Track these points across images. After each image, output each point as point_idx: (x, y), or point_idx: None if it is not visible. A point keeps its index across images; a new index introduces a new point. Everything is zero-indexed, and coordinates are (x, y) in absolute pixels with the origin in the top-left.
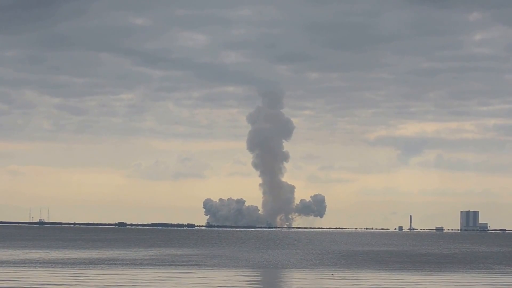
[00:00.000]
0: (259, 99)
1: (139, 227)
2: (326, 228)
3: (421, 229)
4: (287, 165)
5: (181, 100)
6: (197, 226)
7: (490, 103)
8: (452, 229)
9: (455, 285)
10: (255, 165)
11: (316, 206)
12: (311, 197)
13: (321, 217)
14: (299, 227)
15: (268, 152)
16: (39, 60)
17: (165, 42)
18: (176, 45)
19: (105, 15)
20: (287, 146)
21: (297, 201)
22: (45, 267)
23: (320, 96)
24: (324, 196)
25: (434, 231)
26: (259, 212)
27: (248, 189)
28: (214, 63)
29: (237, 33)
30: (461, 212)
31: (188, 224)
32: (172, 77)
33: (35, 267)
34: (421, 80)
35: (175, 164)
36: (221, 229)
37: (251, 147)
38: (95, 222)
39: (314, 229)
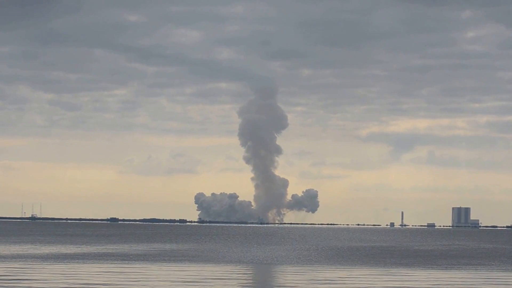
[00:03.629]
0: (252, 95)
1: (131, 222)
2: (318, 224)
3: (412, 225)
4: (279, 161)
5: (174, 96)
6: (189, 221)
7: (482, 100)
8: (443, 226)
9: (447, 282)
10: (246, 159)
11: (309, 201)
12: (303, 192)
13: (313, 212)
14: (290, 223)
15: (260, 143)
16: (33, 56)
17: (159, 39)
18: (170, 42)
19: (99, 12)
20: (279, 142)
21: (289, 196)
22: (37, 262)
23: (312, 93)
24: (317, 191)
25: (426, 227)
26: (252, 207)
27: (241, 185)
28: (207, 59)
29: (230, 29)
30: (453, 208)
31: (180, 219)
32: (166, 73)
33: (26, 262)
34: (413, 77)
35: (167, 159)
36: (213, 224)
37: (242, 138)
38: (87, 218)
39: (306, 225)
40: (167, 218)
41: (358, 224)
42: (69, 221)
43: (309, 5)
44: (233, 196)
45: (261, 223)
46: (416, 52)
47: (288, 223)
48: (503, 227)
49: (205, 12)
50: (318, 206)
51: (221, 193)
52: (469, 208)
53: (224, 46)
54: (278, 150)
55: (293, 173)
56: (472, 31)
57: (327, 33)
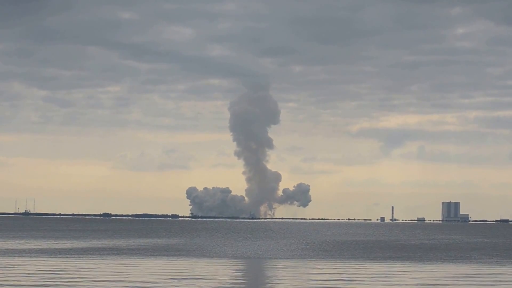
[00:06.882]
0: (244, 91)
1: (124, 217)
2: (309, 219)
3: (403, 220)
4: (271, 156)
5: (167, 93)
6: (181, 216)
7: (472, 96)
8: (433, 220)
9: (436, 275)
10: (238, 154)
11: (300, 196)
12: (294, 186)
13: (304, 207)
14: (282, 218)
15: (250, 136)
16: (27, 53)
17: (152, 36)
18: (163, 39)
19: (92, 9)
20: (270, 137)
21: (280, 191)
22: (31, 257)
23: (304, 89)
24: (308, 186)
25: (416, 221)
26: (244, 202)
27: (233, 180)
28: (199, 56)
29: (222, 26)
30: (443, 203)
31: (172, 214)
32: (158, 69)
33: (20, 256)
34: (403, 73)
35: (160, 155)
36: (205, 219)
37: (233, 132)
38: (81, 213)
39: (297, 219)
40: (160, 213)
41: (349, 219)
42: (63, 216)
43: (300, 2)
44: (226, 191)
45: (252, 218)
46: (406, 48)
47: (279, 218)
48: (493, 221)
49: (197, 10)
50: (310, 200)
51: (213, 188)
52: (459, 202)
53: (216, 43)
54: (269, 143)
55: (285, 168)
56: (462, 28)
57: (318, 30)
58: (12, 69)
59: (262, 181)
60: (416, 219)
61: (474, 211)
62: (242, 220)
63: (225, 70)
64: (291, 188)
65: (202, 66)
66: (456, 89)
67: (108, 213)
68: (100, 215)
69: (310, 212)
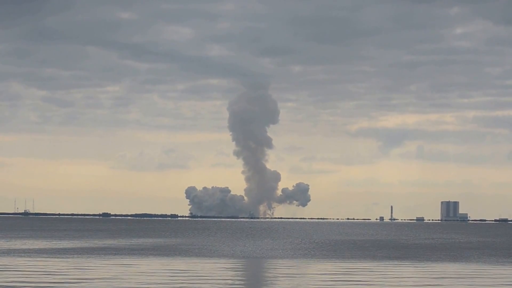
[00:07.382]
0: (243, 91)
1: (123, 217)
2: (308, 219)
3: (402, 219)
4: (270, 155)
5: (166, 93)
6: (181, 216)
7: (470, 96)
8: (432, 220)
9: (436, 275)
10: (237, 153)
11: (299, 195)
12: (293, 186)
13: (303, 206)
14: (281, 218)
15: (250, 135)
16: (26, 53)
17: (151, 36)
18: (162, 39)
19: (92, 9)
20: (270, 136)
21: (280, 191)
22: (30, 257)
23: (303, 89)
24: (308, 185)
25: (415, 221)
26: (243, 201)
27: (232, 180)
28: (199, 56)
29: (221, 26)
30: (442, 202)
31: (171, 214)
32: (158, 69)
33: (20, 257)
34: (402, 72)
35: (159, 155)
36: (204, 219)
37: (232, 131)
38: (80, 213)
39: (296, 219)
40: (159, 213)
41: (348, 218)
42: (62, 216)
43: (299, 2)
44: (225, 191)
45: (251, 218)
46: (405, 48)
47: (278, 218)
48: (491, 220)
49: (196, 10)
50: (309, 200)
51: (212, 187)
52: (458, 202)
53: (215, 43)
54: (268, 143)
55: (284, 168)
56: (460, 28)
57: (317, 30)
58: (11, 69)
59: (261, 180)
60: (415, 218)
61: (473, 211)
62: (241, 219)
63: (224, 70)
64: (290, 188)
65: (201, 66)
66: (455, 89)
67: (107, 213)
68: (99, 215)
69: (309, 212)
